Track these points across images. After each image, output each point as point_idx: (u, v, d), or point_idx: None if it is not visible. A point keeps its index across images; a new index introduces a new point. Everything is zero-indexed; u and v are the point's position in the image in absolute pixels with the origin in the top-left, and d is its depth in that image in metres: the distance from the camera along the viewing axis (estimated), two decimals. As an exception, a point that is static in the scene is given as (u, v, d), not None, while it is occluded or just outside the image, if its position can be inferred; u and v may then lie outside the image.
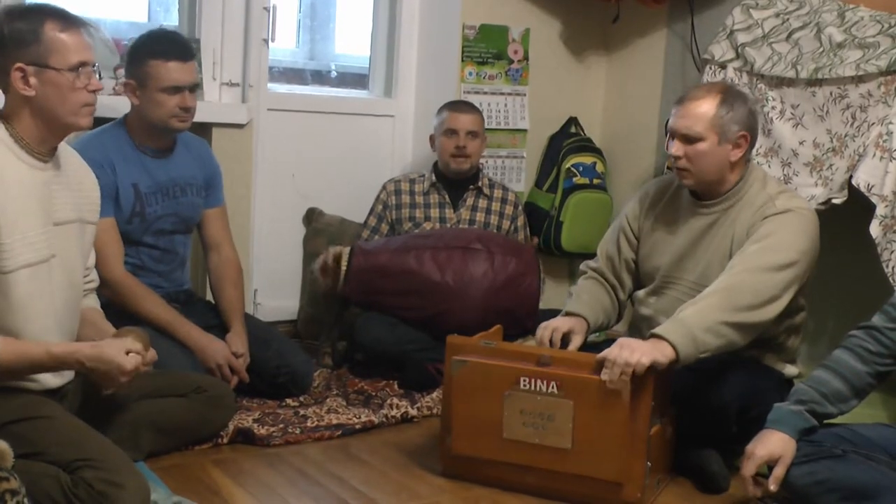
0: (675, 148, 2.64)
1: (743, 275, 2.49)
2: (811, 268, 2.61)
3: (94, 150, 2.84)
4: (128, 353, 2.20)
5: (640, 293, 2.85)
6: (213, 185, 3.17)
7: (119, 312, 2.69)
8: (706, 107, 2.60)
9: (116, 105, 3.22)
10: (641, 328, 2.73)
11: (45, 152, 2.23)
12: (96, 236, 2.63)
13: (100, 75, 2.25)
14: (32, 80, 2.16)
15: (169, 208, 3.01)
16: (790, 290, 2.52)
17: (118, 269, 2.87)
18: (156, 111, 2.91)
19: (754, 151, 3.29)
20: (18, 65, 2.15)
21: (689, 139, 2.61)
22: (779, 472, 2.27)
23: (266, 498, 2.41)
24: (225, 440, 2.72)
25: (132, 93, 2.92)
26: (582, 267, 2.98)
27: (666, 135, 2.71)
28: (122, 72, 3.36)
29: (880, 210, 2.91)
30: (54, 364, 2.20)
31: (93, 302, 2.55)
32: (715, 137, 2.60)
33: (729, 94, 2.64)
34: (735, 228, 2.64)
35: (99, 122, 3.00)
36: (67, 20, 2.20)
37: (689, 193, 2.76)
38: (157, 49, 2.91)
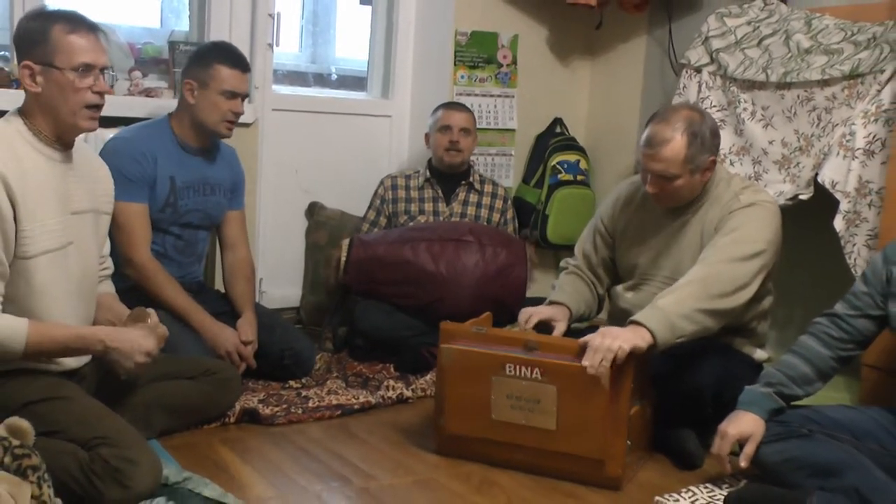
0: (652, 186, 2.62)
1: (716, 265, 2.49)
2: (776, 255, 2.62)
3: (139, 141, 2.89)
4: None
5: (619, 288, 2.85)
6: (237, 189, 3.19)
7: (138, 298, 2.69)
8: (677, 148, 2.55)
9: (132, 105, 3.21)
10: (620, 320, 2.73)
11: (62, 146, 2.23)
12: (128, 219, 2.66)
13: (115, 78, 2.24)
14: (38, 79, 2.15)
15: (199, 204, 3.03)
16: (759, 277, 2.53)
17: (144, 253, 2.88)
18: (210, 112, 2.94)
19: (728, 149, 3.31)
20: (26, 62, 2.15)
21: (664, 178, 2.60)
22: (749, 449, 2.29)
23: (271, 474, 2.41)
24: (232, 420, 2.72)
25: (190, 93, 2.94)
26: (562, 263, 2.99)
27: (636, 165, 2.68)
28: (136, 73, 3.37)
29: (843, 205, 2.93)
30: (78, 343, 2.19)
31: (108, 287, 2.54)
32: (689, 174, 2.58)
33: (693, 125, 2.57)
34: (704, 224, 2.65)
35: (116, 121, 3.01)
36: (77, 23, 2.18)
37: None
38: (224, 56, 2.96)
